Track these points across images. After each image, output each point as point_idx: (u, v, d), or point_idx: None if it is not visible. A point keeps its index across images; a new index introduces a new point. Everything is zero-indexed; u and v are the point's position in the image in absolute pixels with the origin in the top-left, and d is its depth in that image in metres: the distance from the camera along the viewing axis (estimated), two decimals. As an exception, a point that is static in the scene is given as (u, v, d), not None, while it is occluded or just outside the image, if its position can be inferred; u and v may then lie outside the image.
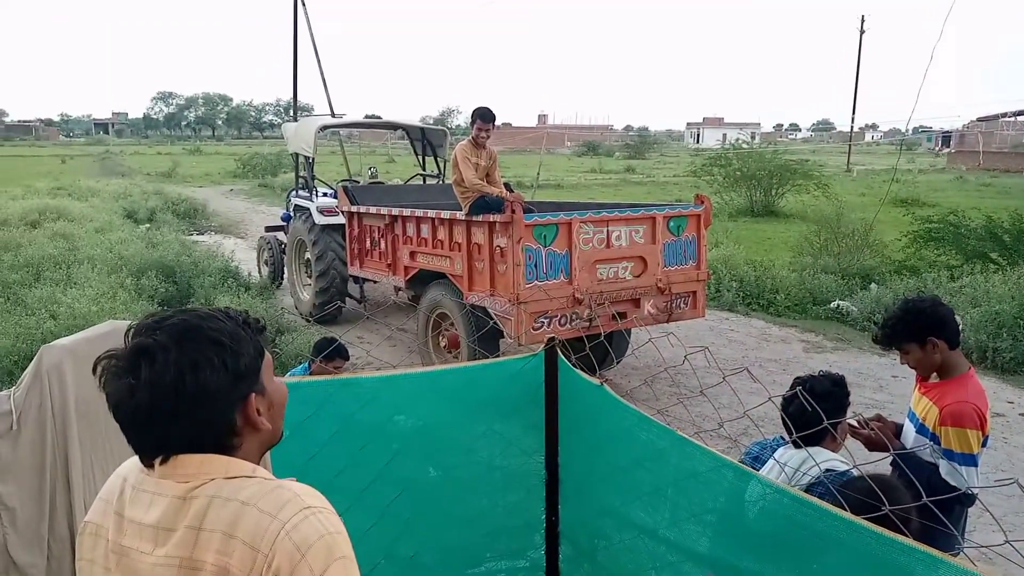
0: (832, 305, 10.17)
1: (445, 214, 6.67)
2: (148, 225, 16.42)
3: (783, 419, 2.65)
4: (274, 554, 1.12)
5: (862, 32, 44.24)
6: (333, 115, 13.40)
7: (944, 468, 2.79)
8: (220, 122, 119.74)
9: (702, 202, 6.76)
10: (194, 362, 1.17)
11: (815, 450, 2.53)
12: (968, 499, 2.82)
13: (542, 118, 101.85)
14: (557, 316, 6.04)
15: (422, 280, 7.29)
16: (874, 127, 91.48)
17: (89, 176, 30.08)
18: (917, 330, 2.83)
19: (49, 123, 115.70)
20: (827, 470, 2.47)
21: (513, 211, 5.73)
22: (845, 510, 1.76)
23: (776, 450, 2.71)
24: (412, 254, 7.28)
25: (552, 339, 2.74)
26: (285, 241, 10.84)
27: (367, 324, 9.37)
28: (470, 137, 6.75)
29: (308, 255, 9.63)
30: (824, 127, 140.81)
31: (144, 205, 19.45)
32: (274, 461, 2.43)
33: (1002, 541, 1.50)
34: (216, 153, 59.11)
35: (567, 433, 2.77)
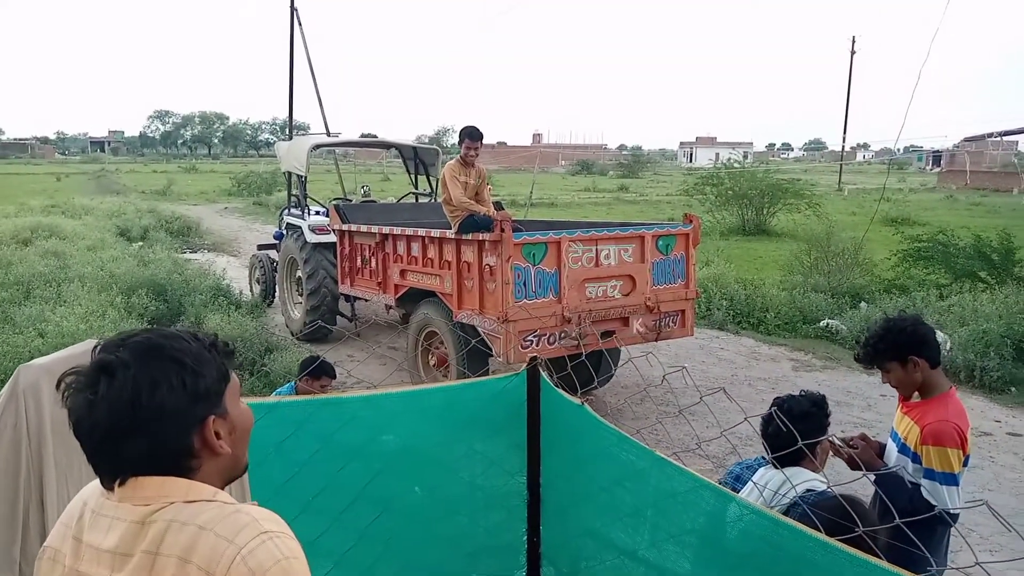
0: (822, 324, 10.20)
1: (435, 232, 6.69)
2: (141, 243, 16.38)
3: (763, 440, 2.66)
4: None
5: (853, 53, 44.71)
6: (329, 134, 13.47)
7: (926, 488, 2.79)
8: (216, 140, 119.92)
9: (690, 221, 6.79)
10: (153, 380, 1.18)
11: (795, 471, 2.53)
12: (951, 519, 2.82)
13: (537, 137, 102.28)
14: (546, 335, 6.04)
15: (412, 298, 7.30)
16: (866, 147, 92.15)
17: (84, 194, 30.05)
18: (898, 349, 2.84)
19: (45, 141, 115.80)
20: (807, 491, 2.48)
21: (502, 230, 5.75)
22: (819, 531, 1.77)
23: (757, 471, 2.71)
24: (402, 272, 7.29)
25: (534, 358, 2.74)
26: (277, 259, 10.84)
27: (358, 343, 9.35)
28: (458, 156, 6.79)
29: (299, 273, 9.63)
30: (816, 147, 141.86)
31: (138, 223, 19.42)
32: (252, 481, 2.43)
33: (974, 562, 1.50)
34: (212, 171, 59.14)
35: (549, 453, 2.76)
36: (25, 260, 11.29)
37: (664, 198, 33.71)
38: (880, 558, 1.75)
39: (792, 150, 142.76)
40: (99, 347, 1.24)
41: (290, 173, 10.75)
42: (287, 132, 19.19)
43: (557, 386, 2.69)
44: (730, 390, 7.97)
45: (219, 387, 1.26)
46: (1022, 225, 16.83)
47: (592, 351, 6.50)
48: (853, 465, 2.94)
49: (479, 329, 6.14)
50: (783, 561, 1.89)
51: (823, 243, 13.10)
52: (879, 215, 19.51)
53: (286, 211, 10.80)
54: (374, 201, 11.12)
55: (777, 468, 2.42)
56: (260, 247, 12.18)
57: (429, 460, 2.77)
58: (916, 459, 2.82)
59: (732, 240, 19.04)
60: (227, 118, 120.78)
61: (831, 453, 2.82)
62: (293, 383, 5.00)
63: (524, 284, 5.87)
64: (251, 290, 11.83)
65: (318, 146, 10.67)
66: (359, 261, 8.15)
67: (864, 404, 7.36)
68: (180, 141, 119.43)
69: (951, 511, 2.74)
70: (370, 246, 7.82)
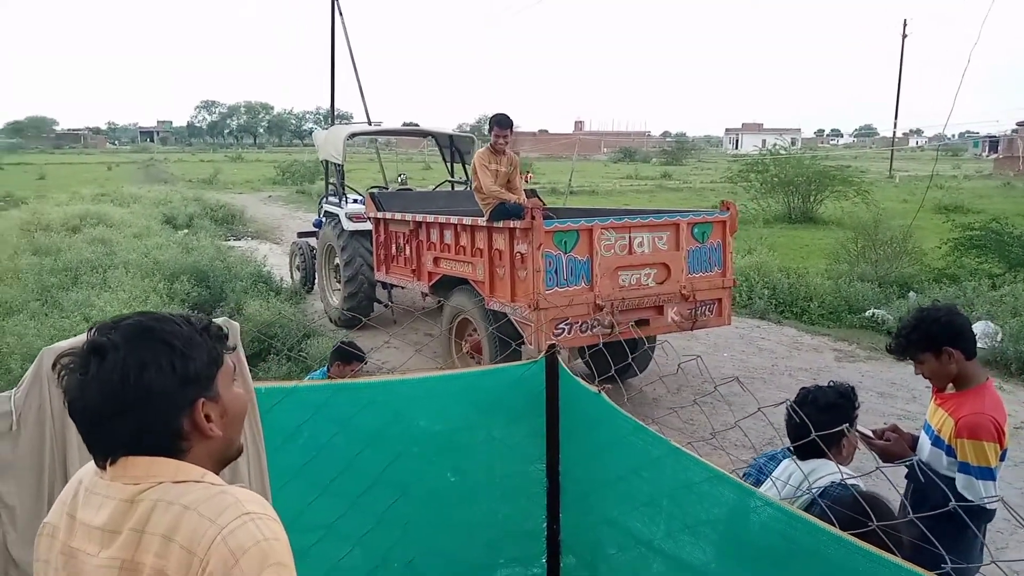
0: (867, 314, 9.94)
1: (467, 220, 6.68)
2: (186, 231, 16.74)
3: (788, 430, 2.59)
4: (209, 559, 1.11)
5: (904, 36, 43.36)
6: (370, 123, 13.55)
7: (960, 482, 2.70)
8: (261, 130, 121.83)
9: (727, 208, 6.66)
10: (142, 362, 1.19)
11: (819, 463, 2.46)
12: (986, 514, 2.72)
13: (578, 124, 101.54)
14: (578, 323, 5.99)
15: (445, 286, 7.31)
16: (919, 133, 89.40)
17: (133, 183, 30.80)
18: (932, 340, 2.74)
19: (97, 131, 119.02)
20: (832, 483, 2.41)
21: (533, 217, 5.71)
22: (834, 525, 1.71)
23: (781, 462, 2.64)
24: (436, 260, 7.30)
25: (552, 346, 2.71)
26: (316, 247, 10.97)
27: (394, 329, 9.42)
28: (488, 144, 6.76)
29: (337, 260, 9.73)
30: (867, 133, 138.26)
31: (183, 211, 19.85)
32: (271, 463, 2.45)
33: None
34: (257, 160, 60.13)
35: (568, 441, 2.73)
36: (73, 247, 11.62)
37: (708, 185, 33.21)
38: (894, 554, 1.69)
39: (842, 137, 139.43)
40: (94, 329, 1.25)
41: (327, 161, 10.84)
42: (329, 121, 19.37)
43: (591, 375, 2.65)
44: (769, 380, 7.84)
45: (210, 371, 1.26)
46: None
47: (627, 339, 6.43)
48: (885, 457, 2.86)
49: (511, 317, 6.12)
50: (798, 555, 1.83)
51: (870, 231, 12.76)
52: (931, 203, 18.96)
53: (325, 199, 10.91)
54: (410, 189, 11.17)
55: (792, 460, 2.35)
56: (300, 235, 12.33)
57: (446, 446, 2.76)
58: (950, 452, 2.73)
59: (777, 228, 18.67)
60: (272, 108, 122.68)
61: (861, 446, 2.73)
62: (325, 368, 5.06)
63: (555, 272, 5.82)
64: (291, 277, 12.00)
65: (354, 134, 10.74)
66: (394, 248, 8.19)
67: (909, 396, 7.17)
68: (226, 131, 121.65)
69: (986, 507, 2.64)
70: (404, 234, 7.85)
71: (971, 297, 9.54)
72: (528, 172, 21.61)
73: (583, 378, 2.64)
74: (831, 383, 2.66)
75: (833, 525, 1.70)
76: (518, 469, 2.82)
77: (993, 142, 64.42)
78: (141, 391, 1.18)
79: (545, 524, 2.83)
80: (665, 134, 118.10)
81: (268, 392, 2.47)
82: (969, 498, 2.65)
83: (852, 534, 1.63)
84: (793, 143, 33.47)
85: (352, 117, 45.44)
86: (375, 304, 9.57)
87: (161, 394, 1.20)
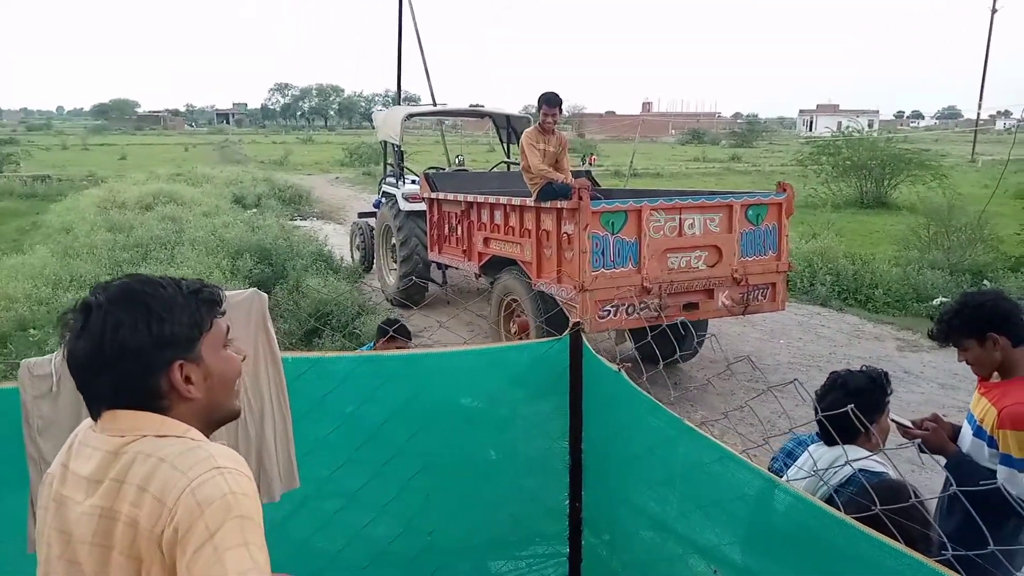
0: (935, 302, 9.53)
1: (515, 201, 6.67)
2: (254, 210, 17.21)
3: (816, 415, 2.53)
4: (177, 509, 1.16)
5: (994, 12, 41.09)
6: (435, 104, 13.66)
7: (1002, 474, 2.58)
8: (332, 112, 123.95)
9: (784, 190, 6.48)
10: (118, 321, 1.25)
11: (849, 448, 2.39)
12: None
13: (646, 106, 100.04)
14: (624, 305, 5.94)
15: (495, 266, 7.33)
16: (1007, 114, 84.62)
17: (208, 164, 31.81)
18: (976, 325, 2.62)
19: (176, 113, 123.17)
20: (860, 470, 2.34)
21: (580, 197, 5.67)
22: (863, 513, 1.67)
23: (809, 447, 2.58)
24: (486, 240, 7.33)
25: (576, 323, 2.70)
26: (375, 227, 11.15)
27: (448, 309, 9.51)
28: (537, 123, 6.71)
29: (394, 240, 9.86)
30: (950, 114, 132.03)
31: (252, 191, 20.39)
32: (296, 431, 2.52)
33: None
34: (327, 142, 61.22)
35: (591, 419, 2.73)
36: (145, 224, 12.10)
37: (778, 168, 32.32)
38: (912, 543, 1.64)
39: (923, 118, 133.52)
40: (92, 289, 1.32)
41: (386, 142, 10.97)
42: (396, 103, 19.59)
43: (640, 358, 2.64)
44: (825, 368, 7.58)
45: (191, 333, 1.31)
46: None
47: (672, 331, 6.34)
48: (926, 447, 2.76)
49: (557, 298, 6.11)
50: (812, 542, 1.79)
51: (943, 216, 12.22)
52: (1013, 188, 18.05)
53: (384, 180, 11.06)
54: (466, 170, 11.21)
55: (818, 446, 2.29)
56: (361, 215, 12.55)
57: (471, 419, 2.79)
58: (992, 443, 2.61)
59: (847, 213, 18.08)
60: (342, 91, 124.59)
61: (893, 433, 2.64)
62: (372, 343, 5.16)
63: (602, 253, 5.77)
64: (352, 256, 12.24)
65: (412, 115, 10.84)
66: (447, 229, 8.26)
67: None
68: (299, 113, 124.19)
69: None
70: (456, 214, 7.90)
71: (1050, 287, 9.06)
72: (592, 155, 21.41)
73: (627, 361, 2.62)
74: (863, 367, 2.57)
75: (853, 513, 1.66)
76: (542, 445, 2.83)
77: (1090, 124, 60.64)
78: (115, 348, 1.25)
79: (567, 501, 2.84)
80: (736, 115, 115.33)
81: (294, 362, 2.54)
82: (1010, 491, 2.53)
83: (861, 520, 1.58)
84: (870, 125, 32.34)
85: (420, 99, 45.81)
86: (430, 284, 9.68)
87: (135, 352, 1.26)
